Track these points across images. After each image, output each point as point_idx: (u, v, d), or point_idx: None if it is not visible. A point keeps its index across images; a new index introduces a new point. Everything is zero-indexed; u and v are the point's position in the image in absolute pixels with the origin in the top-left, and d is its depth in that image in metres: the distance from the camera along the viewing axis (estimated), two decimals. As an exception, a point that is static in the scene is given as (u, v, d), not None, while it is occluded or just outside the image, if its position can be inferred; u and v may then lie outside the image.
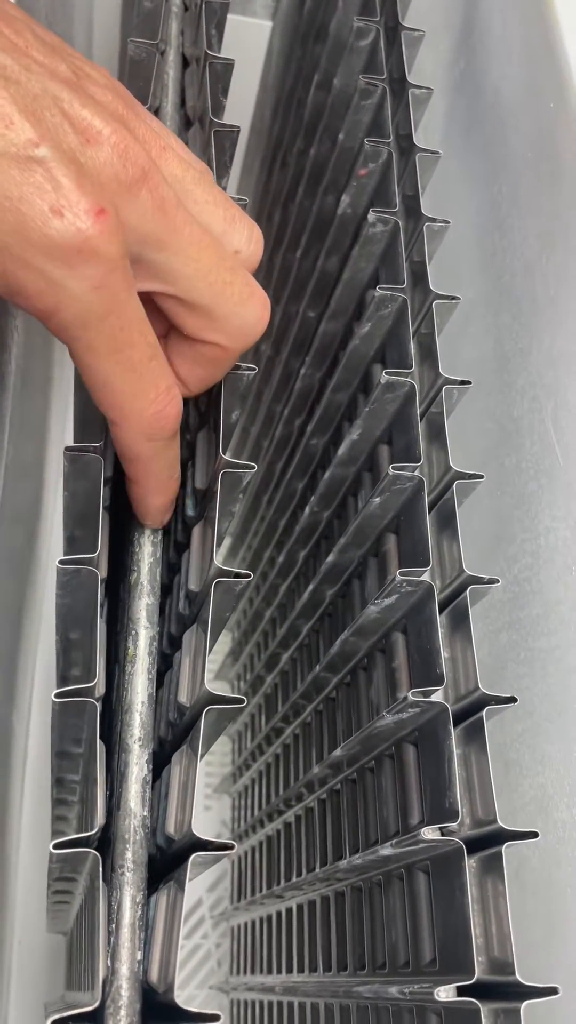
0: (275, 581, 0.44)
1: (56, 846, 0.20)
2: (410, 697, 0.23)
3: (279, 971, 0.39)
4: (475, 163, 0.39)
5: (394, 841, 0.24)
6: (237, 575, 0.25)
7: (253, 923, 0.45)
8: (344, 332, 0.36)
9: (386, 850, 0.25)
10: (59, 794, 0.32)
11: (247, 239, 0.25)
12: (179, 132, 0.34)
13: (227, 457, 0.26)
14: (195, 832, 0.21)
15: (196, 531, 0.30)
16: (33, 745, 0.55)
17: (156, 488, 0.26)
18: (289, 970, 0.37)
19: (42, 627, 0.58)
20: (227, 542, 0.59)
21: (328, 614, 0.36)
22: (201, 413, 0.33)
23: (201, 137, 0.37)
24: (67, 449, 0.24)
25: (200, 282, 0.23)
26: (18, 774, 0.53)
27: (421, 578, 0.25)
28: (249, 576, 0.25)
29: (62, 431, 0.66)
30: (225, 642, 0.58)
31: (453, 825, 0.23)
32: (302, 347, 0.42)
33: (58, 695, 0.21)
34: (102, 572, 0.25)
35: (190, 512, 0.31)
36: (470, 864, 0.23)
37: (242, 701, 0.23)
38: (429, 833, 0.22)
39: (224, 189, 0.33)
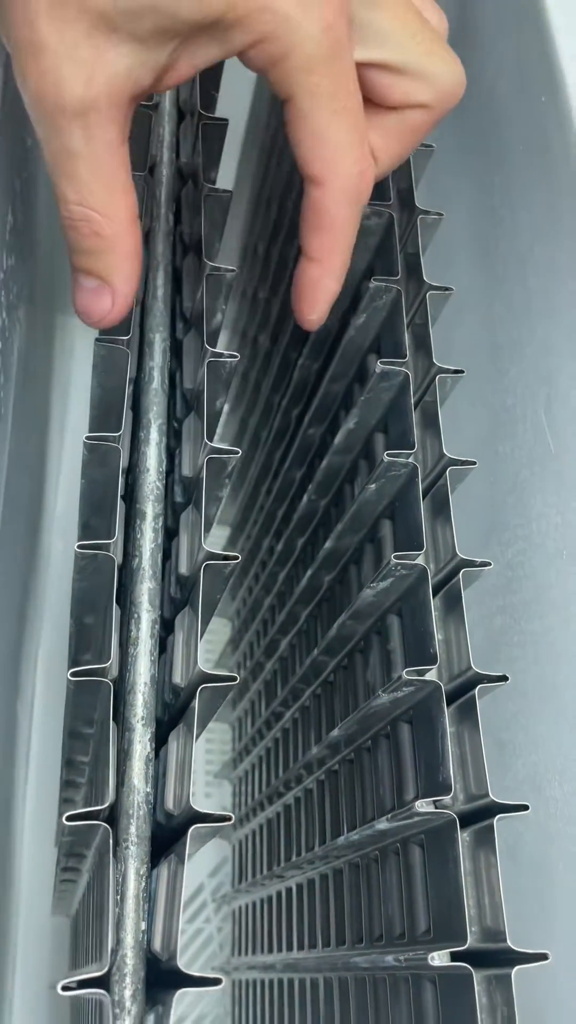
0: (274, 569, 0.45)
1: (68, 818, 0.21)
2: (404, 676, 0.24)
3: (279, 949, 0.39)
4: (469, 157, 0.40)
5: (390, 815, 0.25)
6: (226, 557, 0.25)
7: (254, 904, 0.45)
8: (340, 323, 0.37)
9: (382, 824, 0.25)
10: (68, 775, 0.33)
11: (438, 18, 0.26)
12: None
13: (212, 443, 0.27)
14: (193, 805, 0.22)
15: (184, 517, 0.31)
16: (37, 733, 0.56)
17: (341, 266, 0.25)
18: (289, 948, 0.38)
19: (44, 616, 0.59)
20: (227, 532, 0.60)
21: (326, 599, 0.37)
22: (187, 400, 0.34)
23: (191, 131, 0.37)
24: (87, 438, 0.25)
25: (410, 40, 0.24)
26: (22, 762, 0.53)
27: (415, 562, 0.26)
28: (237, 558, 0.26)
29: (62, 422, 0.66)
30: (224, 631, 0.59)
31: (447, 799, 0.24)
32: (299, 338, 0.43)
33: (74, 674, 0.22)
34: (118, 558, 0.25)
35: (179, 499, 0.32)
36: (463, 837, 0.23)
37: (235, 678, 0.24)
38: (423, 806, 0.23)
39: (214, 182, 0.34)
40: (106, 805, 0.22)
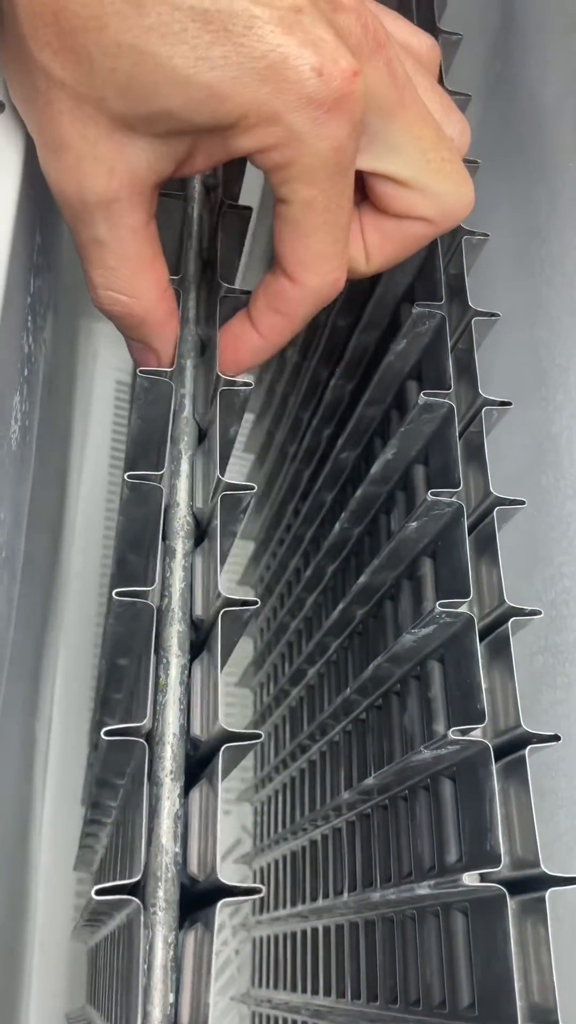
0: (301, 594, 0.43)
1: (98, 892, 0.20)
2: (450, 736, 0.23)
3: (303, 991, 0.38)
4: (511, 170, 0.38)
5: (432, 883, 0.23)
6: (244, 603, 0.24)
7: (276, 938, 0.44)
8: (377, 345, 0.35)
9: (423, 889, 0.24)
10: (93, 815, 0.31)
11: (460, 130, 0.26)
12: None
13: (226, 479, 0.25)
14: (221, 878, 0.21)
15: (198, 553, 0.29)
16: (54, 753, 0.55)
17: (281, 345, 0.26)
18: (315, 991, 0.36)
19: (61, 634, 0.58)
20: (250, 547, 0.59)
21: (358, 632, 0.35)
22: (201, 430, 0.32)
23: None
24: (129, 476, 0.24)
25: (420, 158, 0.24)
26: (39, 782, 0.52)
27: (460, 610, 0.25)
28: (256, 603, 0.24)
29: (84, 431, 0.65)
30: (247, 650, 0.58)
31: (493, 870, 0.22)
32: (331, 356, 0.41)
33: (108, 732, 0.21)
34: (156, 602, 0.24)
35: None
36: (510, 905, 0.22)
37: (259, 736, 0.23)
38: (469, 879, 0.22)
39: (236, 199, 0.32)
40: (136, 879, 0.20)
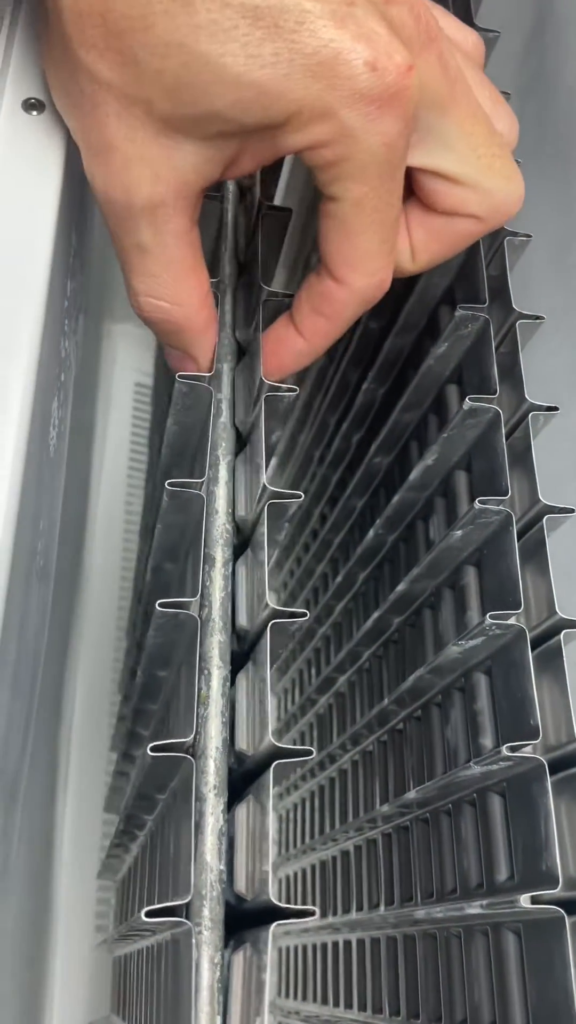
0: (330, 601, 0.43)
1: (148, 914, 0.19)
2: (503, 752, 0.22)
3: (336, 1004, 0.37)
4: (547, 169, 0.38)
5: (484, 903, 0.23)
6: (292, 615, 0.24)
7: (304, 948, 0.44)
8: (412, 348, 0.35)
9: (473, 909, 0.23)
10: (126, 827, 0.31)
11: (510, 124, 0.25)
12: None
13: (272, 487, 0.25)
14: (272, 899, 0.20)
15: (241, 563, 0.29)
16: (75, 759, 0.54)
17: (325, 348, 0.26)
18: (348, 1006, 0.36)
19: (84, 637, 0.57)
20: (273, 552, 0.58)
21: (393, 641, 0.35)
22: (239, 434, 0.32)
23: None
24: (169, 484, 0.23)
25: (471, 154, 0.23)
26: (62, 789, 0.52)
27: (511, 621, 0.24)
28: (305, 615, 0.24)
29: (103, 442, 0.65)
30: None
31: (549, 892, 0.22)
32: (362, 360, 0.41)
33: (154, 748, 0.20)
34: (197, 612, 0.24)
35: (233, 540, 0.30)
36: (568, 928, 0.21)
37: (310, 753, 0.22)
38: (525, 901, 0.21)
39: (272, 199, 0.32)
40: (188, 899, 0.20)
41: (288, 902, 0.48)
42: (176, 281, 0.23)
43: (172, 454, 0.28)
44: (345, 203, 0.22)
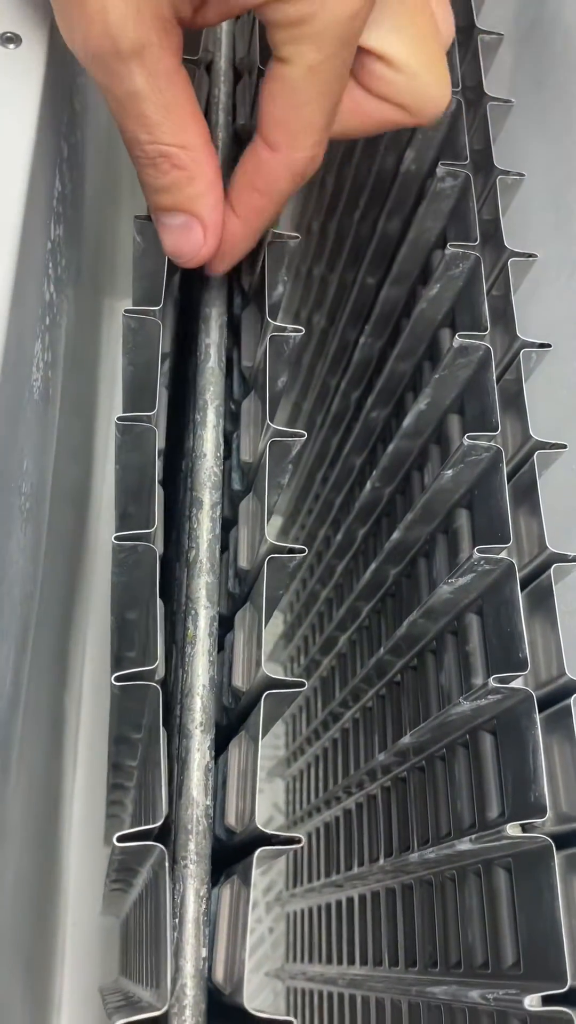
0: (331, 561, 0.42)
1: (119, 839, 0.19)
2: (491, 684, 0.22)
3: (339, 962, 0.37)
4: (546, 115, 0.37)
5: (473, 836, 0.22)
6: (291, 550, 0.23)
7: (311, 910, 0.43)
8: (408, 297, 0.34)
9: (464, 845, 0.23)
10: (115, 779, 0.31)
11: (449, 25, 0.25)
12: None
13: (275, 425, 0.25)
14: (259, 825, 0.20)
15: (243, 506, 0.29)
16: (85, 727, 0.54)
17: (263, 229, 0.26)
18: (351, 962, 0.36)
19: (91, 608, 0.57)
20: (278, 522, 0.58)
21: (391, 594, 0.35)
22: (246, 379, 0.31)
23: (250, 92, 0.35)
24: (119, 419, 0.23)
25: (419, 44, 0.24)
26: (70, 757, 0.52)
27: (500, 556, 0.24)
28: (304, 551, 0.24)
29: (109, 410, 0.65)
30: (277, 624, 0.57)
31: (538, 821, 0.21)
32: (360, 316, 0.40)
33: (118, 678, 0.20)
34: (159, 548, 0.23)
35: (236, 486, 0.30)
36: (557, 858, 0.21)
37: (302, 685, 0.22)
38: (513, 830, 0.21)
39: None
40: (158, 824, 0.20)
41: (296, 864, 0.48)
42: (179, 123, 0.22)
43: (132, 398, 0.28)
44: (298, 67, 0.22)
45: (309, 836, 0.45)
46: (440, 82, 0.24)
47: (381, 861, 0.32)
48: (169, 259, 0.26)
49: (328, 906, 0.40)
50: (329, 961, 0.39)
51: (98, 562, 0.59)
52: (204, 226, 0.24)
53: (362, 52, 0.23)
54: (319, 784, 0.44)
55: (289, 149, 0.23)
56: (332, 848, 0.40)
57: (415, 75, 0.24)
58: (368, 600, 0.36)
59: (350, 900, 0.37)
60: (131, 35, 0.21)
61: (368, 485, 0.35)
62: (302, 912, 0.45)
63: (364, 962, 0.34)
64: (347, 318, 0.42)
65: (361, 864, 0.35)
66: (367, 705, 0.36)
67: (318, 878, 0.42)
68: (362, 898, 0.35)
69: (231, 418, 0.31)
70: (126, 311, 0.24)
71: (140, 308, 0.24)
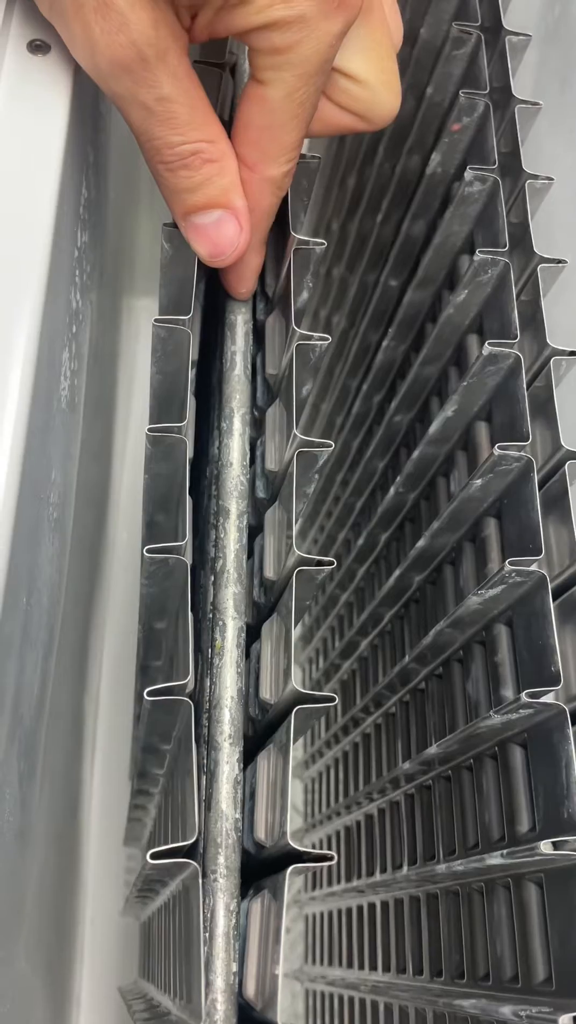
0: (352, 565, 0.42)
1: (152, 856, 0.19)
2: (523, 699, 0.21)
3: (361, 967, 0.37)
4: (571, 117, 0.36)
5: (505, 852, 0.22)
6: (319, 563, 0.23)
7: (330, 914, 0.43)
8: (433, 301, 0.34)
9: (494, 859, 0.23)
10: (140, 785, 0.31)
11: (399, 31, 0.27)
12: None
13: (301, 435, 0.24)
14: (291, 842, 0.20)
15: (269, 515, 0.29)
16: (102, 727, 0.55)
17: (260, 243, 0.27)
18: (373, 968, 0.36)
19: (109, 609, 0.57)
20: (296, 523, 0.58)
21: (415, 600, 0.34)
22: (270, 386, 0.31)
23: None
24: (150, 430, 0.23)
25: (378, 63, 0.25)
26: (88, 757, 0.52)
27: (532, 568, 0.23)
28: (332, 563, 0.24)
29: (127, 410, 0.65)
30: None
31: (571, 838, 0.21)
32: (382, 318, 0.40)
33: (150, 693, 0.20)
34: (190, 559, 0.23)
35: (261, 494, 0.29)
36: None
37: (332, 699, 0.22)
38: (545, 847, 0.21)
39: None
40: (192, 840, 0.19)
41: (316, 869, 0.48)
42: (204, 120, 0.23)
43: (160, 406, 0.27)
44: (277, 91, 0.23)
45: (329, 839, 0.45)
46: (395, 94, 0.26)
47: (405, 869, 0.32)
48: (201, 263, 0.26)
49: (349, 910, 0.40)
50: (350, 966, 0.39)
51: (114, 562, 0.59)
52: (238, 216, 0.25)
53: (334, 72, 0.25)
54: (339, 788, 0.44)
55: (264, 168, 0.24)
56: (353, 853, 0.40)
57: (375, 90, 0.26)
58: (391, 606, 0.36)
59: (371, 906, 0.37)
60: (153, 42, 0.21)
61: (391, 490, 0.35)
62: (321, 915, 0.45)
63: (387, 969, 0.34)
64: (369, 320, 0.41)
65: (384, 871, 0.35)
66: (390, 711, 0.36)
67: (338, 882, 0.42)
68: (384, 905, 0.35)
69: (254, 425, 0.31)
70: (156, 320, 0.24)
71: (170, 317, 0.24)
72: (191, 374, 0.26)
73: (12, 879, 0.26)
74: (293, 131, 0.24)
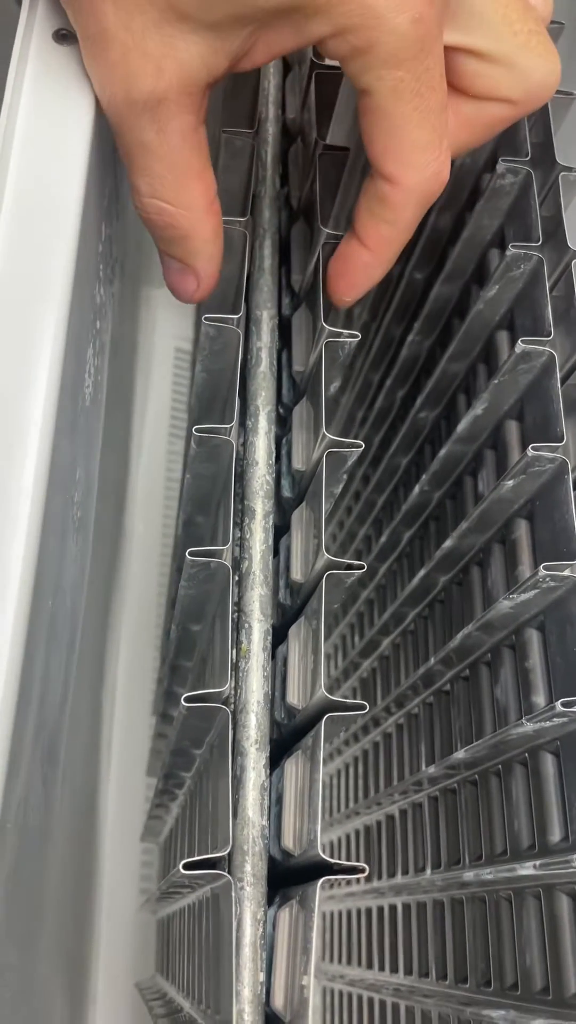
0: (373, 563, 0.42)
1: (186, 866, 0.18)
2: (558, 707, 0.21)
3: (381, 968, 0.37)
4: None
5: (538, 864, 0.22)
6: (349, 566, 0.23)
7: (349, 913, 0.43)
8: (461, 295, 0.33)
9: (526, 870, 0.22)
10: (164, 785, 0.30)
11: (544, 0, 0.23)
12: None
13: (331, 435, 0.24)
14: (321, 853, 0.20)
15: (296, 515, 0.28)
16: (119, 724, 0.54)
17: (393, 258, 0.25)
18: (394, 970, 0.35)
19: (126, 602, 0.57)
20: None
21: (439, 601, 0.34)
22: (296, 384, 0.31)
23: (299, 83, 0.34)
24: (197, 430, 0.22)
25: (507, 29, 0.22)
26: (105, 753, 0.52)
27: (566, 573, 0.23)
28: (363, 567, 0.23)
29: (144, 399, 0.64)
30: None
31: (608, 849, 0.21)
32: (407, 312, 0.39)
33: (187, 699, 0.20)
34: (229, 561, 0.23)
35: (287, 493, 0.29)
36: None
37: (363, 707, 0.21)
38: (583, 859, 0.20)
39: (326, 139, 0.30)
40: (227, 851, 0.19)
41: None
42: (181, 184, 0.22)
43: (201, 405, 0.27)
44: (382, 94, 0.20)
45: (348, 838, 0.45)
46: (542, 64, 0.22)
47: (428, 873, 0.31)
48: (247, 260, 0.25)
49: (368, 911, 0.40)
50: (370, 966, 0.39)
51: (133, 555, 0.59)
52: (197, 276, 0.24)
53: (448, 51, 0.22)
54: (359, 787, 0.43)
55: (406, 177, 0.22)
56: (373, 853, 0.39)
57: (512, 64, 0.22)
58: (414, 606, 0.36)
59: (392, 908, 0.36)
60: (147, 89, 0.20)
61: (416, 488, 0.34)
62: (339, 913, 0.45)
63: (408, 972, 0.33)
64: (392, 313, 0.41)
65: (406, 873, 0.34)
66: (412, 712, 0.35)
67: (357, 882, 0.41)
68: (406, 907, 0.35)
69: (279, 422, 0.31)
70: (205, 318, 0.24)
71: (220, 316, 0.24)
72: (250, 381, 0.25)
73: (35, 881, 0.26)
74: (418, 127, 0.21)
